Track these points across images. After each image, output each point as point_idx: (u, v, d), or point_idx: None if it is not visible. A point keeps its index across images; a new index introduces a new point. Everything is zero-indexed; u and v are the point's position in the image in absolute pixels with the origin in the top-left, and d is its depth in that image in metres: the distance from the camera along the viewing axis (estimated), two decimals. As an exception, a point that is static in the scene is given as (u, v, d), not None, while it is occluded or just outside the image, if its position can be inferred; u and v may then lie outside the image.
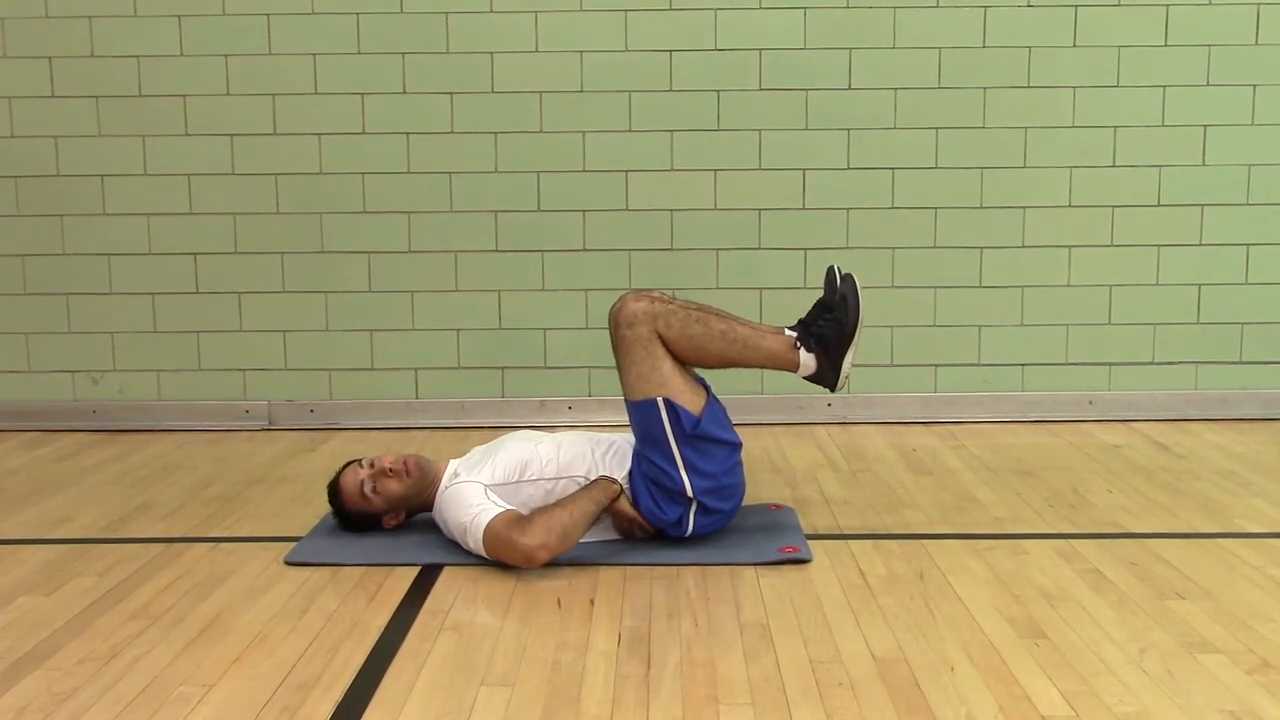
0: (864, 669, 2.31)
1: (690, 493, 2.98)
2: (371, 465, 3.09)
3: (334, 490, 3.13)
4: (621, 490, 3.01)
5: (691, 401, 2.98)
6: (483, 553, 2.89)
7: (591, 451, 3.10)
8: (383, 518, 3.13)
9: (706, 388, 3.08)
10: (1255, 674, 2.27)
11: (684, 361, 3.03)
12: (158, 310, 4.64)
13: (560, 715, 2.13)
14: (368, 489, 3.06)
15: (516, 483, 3.03)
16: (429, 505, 3.13)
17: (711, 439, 2.99)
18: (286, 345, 4.66)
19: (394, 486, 3.07)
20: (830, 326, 3.03)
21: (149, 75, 4.52)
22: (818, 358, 3.05)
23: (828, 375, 3.06)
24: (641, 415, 2.99)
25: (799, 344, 3.05)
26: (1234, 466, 3.89)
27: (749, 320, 3.10)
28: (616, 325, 3.00)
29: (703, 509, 3.01)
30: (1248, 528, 3.22)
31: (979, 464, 3.97)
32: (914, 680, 2.26)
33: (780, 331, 3.08)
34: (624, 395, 3.03)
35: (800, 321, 3.11)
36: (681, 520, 3.02)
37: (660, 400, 2.95)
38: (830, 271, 3.11)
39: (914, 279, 4.59)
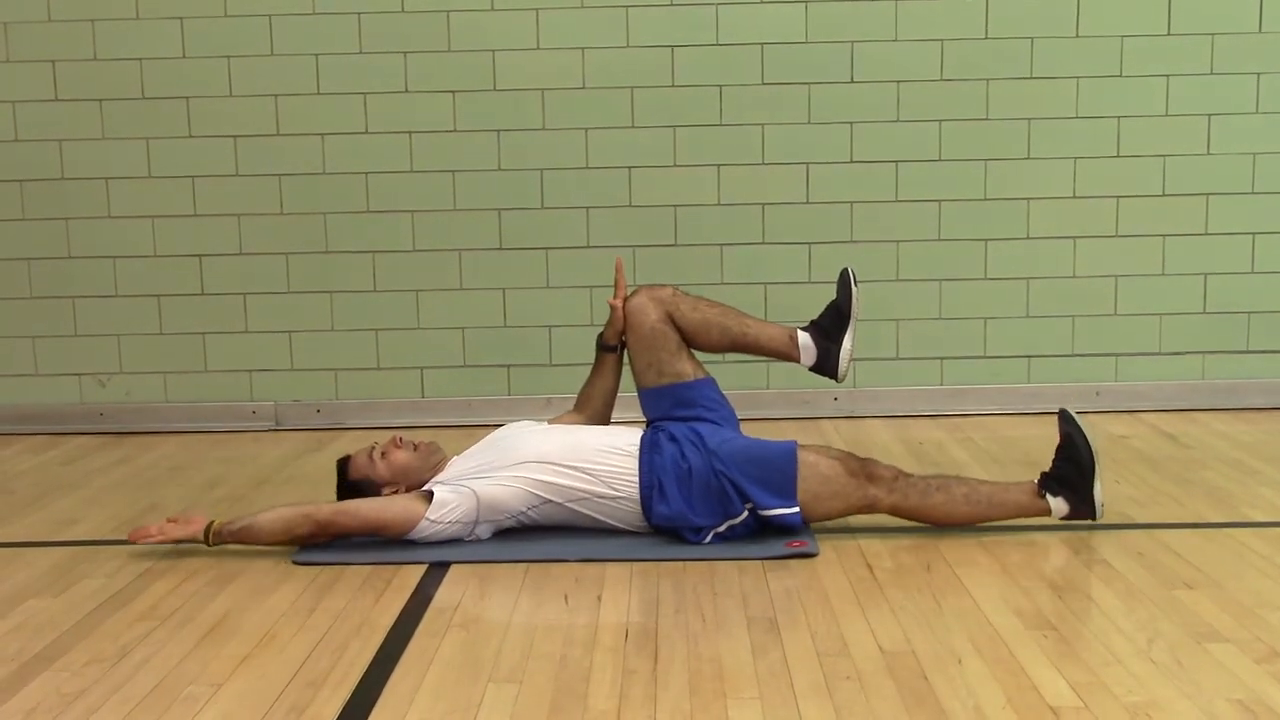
0: (871, 662, 2.31)
1: (739, 519, 3.01)
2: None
3: (343, 461, 3.22)
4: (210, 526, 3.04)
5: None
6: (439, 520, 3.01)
7: (612, 443, 3.12)
8: (382, 490, 3.13)
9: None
10: (1264, 663, 2.26)
11: (693, 345, 3.24)
12: (163, 312, 4.65)
13: (568, 711, 2.13)
14: (375, 454, 3.17)
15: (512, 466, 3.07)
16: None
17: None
18: (292, 346, 4.66)
19: (401, 455, 3.16)
20: (828, 314, 3.26)
21: (152, 77, 4.53)
22: (816, 342, 3.23)
23: (828, 361, 3.22)
24: (770, 449, 3.05)
25: (800, 332, 3.26)
26: (1241, 456, 3.88)
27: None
28: None
29: (728, 533, 3.04)
30: (1255, 517, 3.21)
31: (986, 456, 3.96)
32: (922, 673, 2.26)
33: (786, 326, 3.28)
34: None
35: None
36: (702, 531, 3.03)
37: (797, 450, 3.03)
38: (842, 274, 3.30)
39: (919, 272, 4.58)
